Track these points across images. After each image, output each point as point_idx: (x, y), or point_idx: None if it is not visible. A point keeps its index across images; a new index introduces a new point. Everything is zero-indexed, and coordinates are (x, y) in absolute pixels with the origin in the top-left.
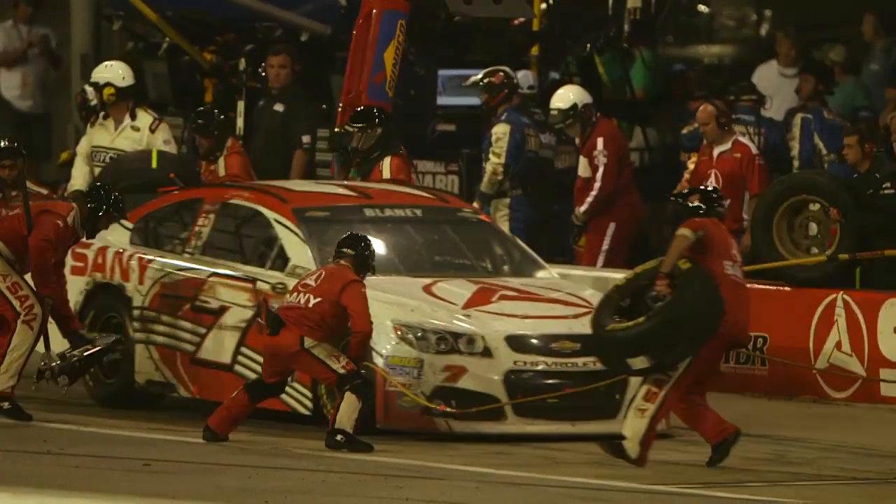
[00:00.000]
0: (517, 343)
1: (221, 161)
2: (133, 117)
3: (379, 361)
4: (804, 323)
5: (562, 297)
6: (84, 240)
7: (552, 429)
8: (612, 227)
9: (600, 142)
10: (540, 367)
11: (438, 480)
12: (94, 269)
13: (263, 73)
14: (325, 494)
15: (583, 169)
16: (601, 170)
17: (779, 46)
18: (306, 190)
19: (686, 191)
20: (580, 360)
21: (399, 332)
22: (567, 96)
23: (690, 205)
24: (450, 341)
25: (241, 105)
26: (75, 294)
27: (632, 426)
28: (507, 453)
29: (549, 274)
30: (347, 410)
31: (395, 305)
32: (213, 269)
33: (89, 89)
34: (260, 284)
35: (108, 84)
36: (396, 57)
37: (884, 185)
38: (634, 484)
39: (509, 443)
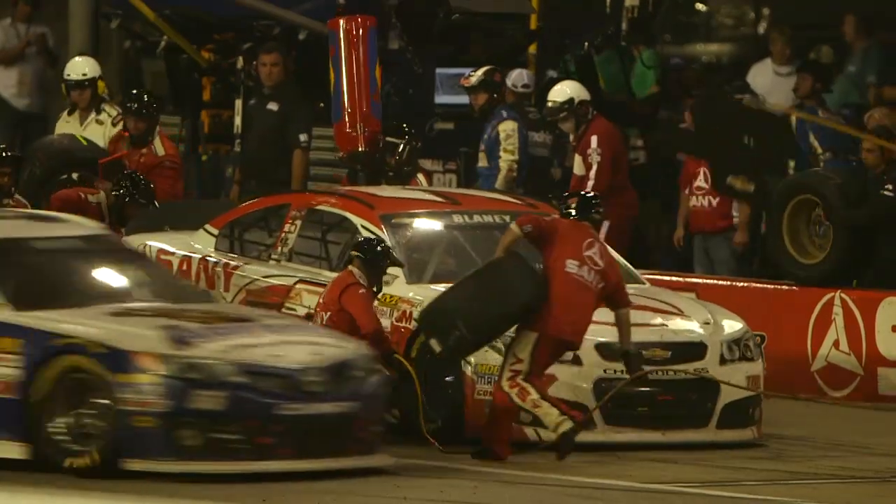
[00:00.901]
0: (607, 351)
1: (158, 142)
2: (98, 111)
3: (467, 369)
4: (802, 322)
5: (652, 304)
6: (117, 228)
7: (642, 437)
8: (605, 225)
9: (594, 140)
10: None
11: (437, 479)
12: (178, 275)
13: (254, 72)
14: (323, 493)
15: (577, 167)
16: (594, 168)
17: (773, 45)
18: (393, 196)
19: (567, 194)
20: (672, 369)
21: None
22: (564, 91)
23: (565, 209)
24: None
25: (238, 103)
26: None
27: (546, 419)
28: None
29: (639, 280)
30: None
31: None
32: (299, 276)
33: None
34: None
35: (100, 77)
36: (381, 75)
37: (885, 187)
38: (632, 483)
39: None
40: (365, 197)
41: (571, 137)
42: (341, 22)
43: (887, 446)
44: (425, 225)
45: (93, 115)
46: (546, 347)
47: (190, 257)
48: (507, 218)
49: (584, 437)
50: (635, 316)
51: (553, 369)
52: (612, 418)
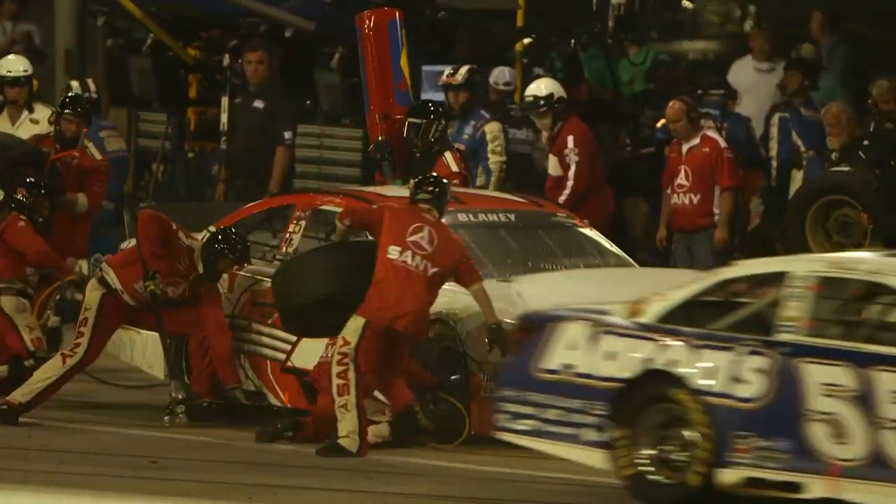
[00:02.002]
0: None
1: (92, 147)
2: (31, 110)
3: (474, 367)
4: None
5: None
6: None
7: None
8: (585, 223)
9: (570, 140)
10: None
11: (426, 476)
12: None
13: (240, 70)
14: (312, 489)
15: (553, 167)
16: (573, 168)
17: (753, 41)
18: (399, 195)
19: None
20: None
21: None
22: (543, 86)
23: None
24: None
25: (224, 101)
26: None
27: (341, 426)
28: (494, 451)
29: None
30: (378, 429)
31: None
32: None
33: (75, 84)
34: None
35: (32, 76)
36: (410, 65)
37: None
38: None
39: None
40: (369, 196)
41: (545, 136)
42: (364, 16)
43: None
44: None
45: (26, 113)
46: (369, 333)
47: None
48: (512, 216)
49: None
50: None
51: None
52: None
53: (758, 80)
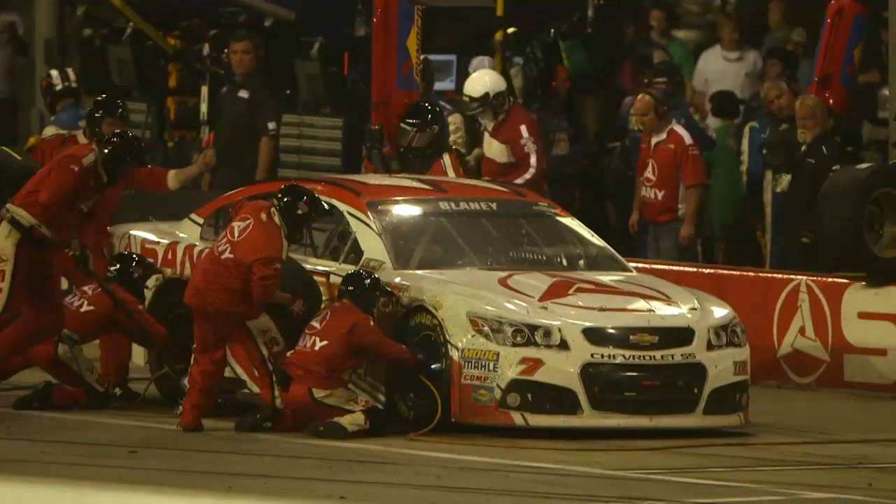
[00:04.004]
0: (595, 335)
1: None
2: None
3: (454, 354)
4: (768, 308)
5: (640, 291)
6: (107, 186)
7: (629, 423)
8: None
9: (524, 129)
10: (618, 360)
11: (405, 466)
12: (163, 264)
13: (227, 60)
14: (292, 478)
15: (500, 155)
16: (533, 156)
17: (721, 30)
18: (381, 183)
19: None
20: (659, 353)
21: (475, 325)
22: (480, 83)
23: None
24: (526, 334)
25: (204, 90)
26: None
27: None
28: (471, 441)
29: (626, 268)
30: (351, 419)
31: (470, 298)
32: None
33: (55, 74)
34: (333, 278)
35: None
36: (418, 43)
37: None
38: (598, 469)
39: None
40: (351, 184)
41: (490, 125)
42: None
43: (853, 433)
44: (412, 212)
45: None
46: (195, 316)
47: (175, 245)
48: (494, 205)
49: (570, 422)
50: (622, 301)
51: (540, 353)
52: (600, 403)
53: (725, 70)
